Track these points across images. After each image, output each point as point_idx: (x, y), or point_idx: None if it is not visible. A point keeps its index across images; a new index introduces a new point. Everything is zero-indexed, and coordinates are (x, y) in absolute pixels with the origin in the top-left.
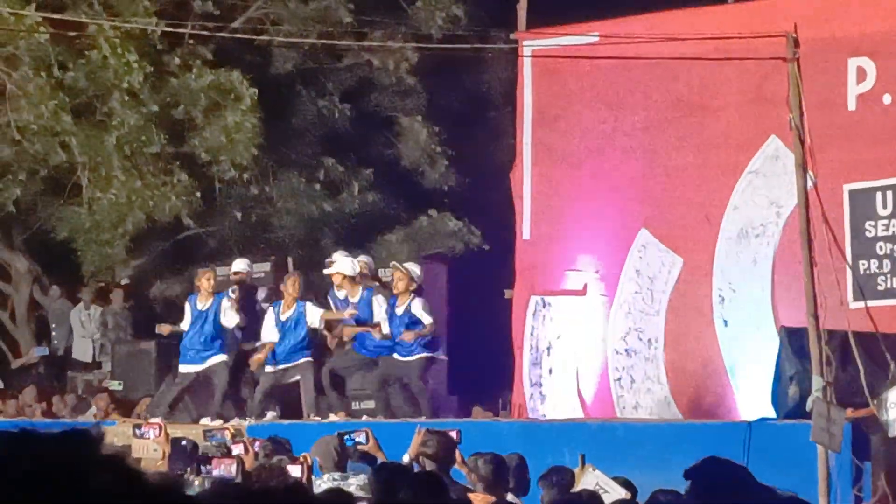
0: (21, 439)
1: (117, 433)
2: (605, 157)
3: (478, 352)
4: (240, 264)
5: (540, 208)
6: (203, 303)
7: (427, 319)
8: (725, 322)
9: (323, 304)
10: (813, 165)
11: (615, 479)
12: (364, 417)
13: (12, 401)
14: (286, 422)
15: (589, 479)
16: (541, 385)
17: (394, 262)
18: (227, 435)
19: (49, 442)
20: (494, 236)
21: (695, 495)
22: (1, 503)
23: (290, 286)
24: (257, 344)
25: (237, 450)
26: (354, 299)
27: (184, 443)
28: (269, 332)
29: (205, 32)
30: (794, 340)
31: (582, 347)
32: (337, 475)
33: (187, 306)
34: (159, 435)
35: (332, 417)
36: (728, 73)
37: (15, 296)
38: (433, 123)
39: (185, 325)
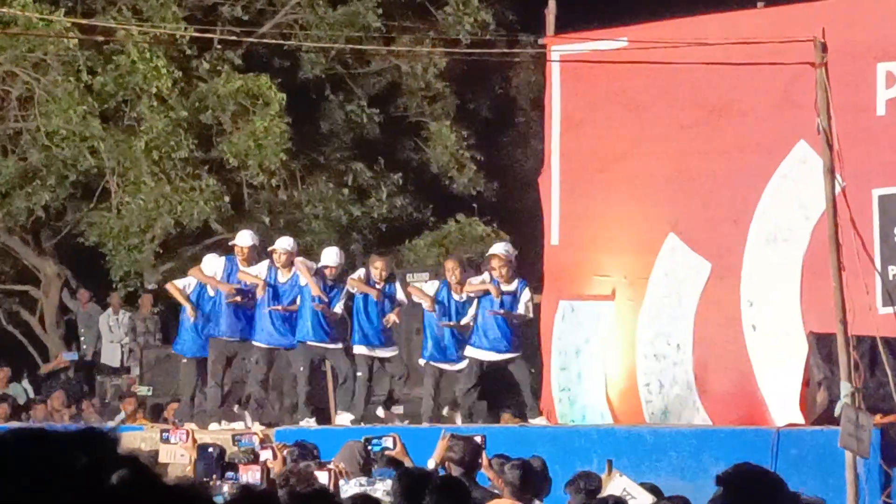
0: (39, 437)
1: (145, 438)
2: (633, 161)
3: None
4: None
5: (568, 213)
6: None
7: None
8: (754, 327)
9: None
10: (841, 170)
11: (642, 484)
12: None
13: (41, 405)
14: (314, 427)
15: (616, 484)
16: (569, 390)
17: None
18: (256, 440)
19: (67, 440)
20: (522, 241)
21: (726, 502)
22: (22, 499)
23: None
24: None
25: (265, 455)
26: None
27: (210, 449)
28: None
29: (233, 38)
30: (822, 346)
31: (610, 352)
32: (364, 480)
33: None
34: (186, 441)
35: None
36: (756, 78)
37: (44, 300)
38: (461, 128)
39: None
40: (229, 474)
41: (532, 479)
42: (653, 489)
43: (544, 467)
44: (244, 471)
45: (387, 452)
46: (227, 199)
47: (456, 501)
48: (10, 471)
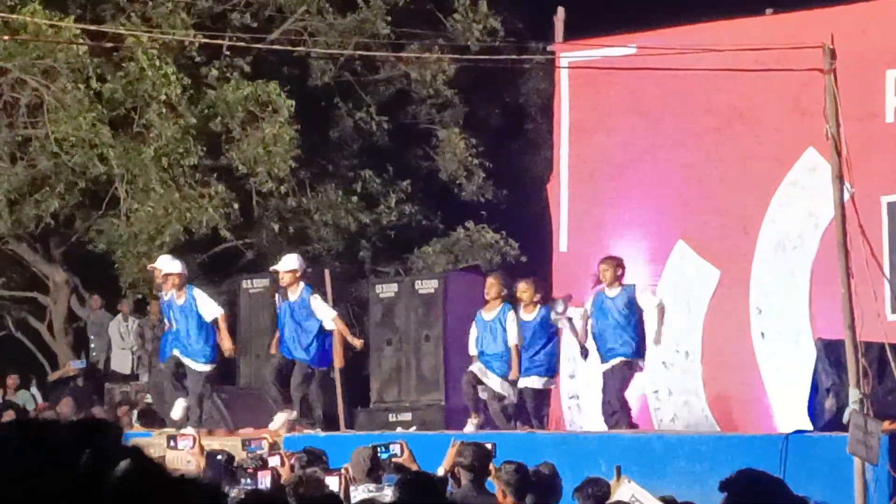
0: (44, 429)
1: (152, 445)
2: (642, 168)
3: None
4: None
5: (577, 220)
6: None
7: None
8: (762, 334)
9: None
10: (850, 177)
11: (661, 499)
12: (398, 430)
13: (49, 412)
14: (322, 434)
15: (624, 490)
16: (578, 397)
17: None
18: (265, 445)
19: (71, 432)
20: (531, 248)
21: None
22: (26, 488)
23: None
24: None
25: (273, 461)
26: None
27: (219, 457)
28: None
29: (242, 45)
30: (830, 352)
31: None
32: (372, 486)
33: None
34: (193, 447)
35: None
36: (766, 85)
37: (53, 308)
38: (470, 135)
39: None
40: (238, 479)
41: (528, 479)
42: (662, 498)
43: (554, 473)
44: (253, 476)
45: (394, 459)
46: (236, 206)
47: (424, 495)
48: (15, 461)
